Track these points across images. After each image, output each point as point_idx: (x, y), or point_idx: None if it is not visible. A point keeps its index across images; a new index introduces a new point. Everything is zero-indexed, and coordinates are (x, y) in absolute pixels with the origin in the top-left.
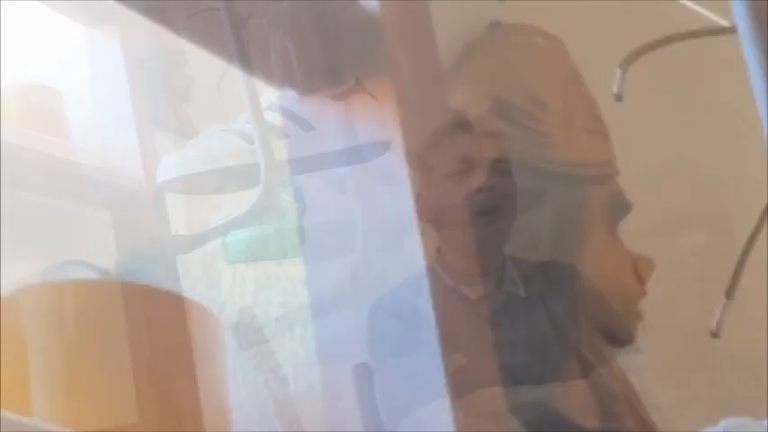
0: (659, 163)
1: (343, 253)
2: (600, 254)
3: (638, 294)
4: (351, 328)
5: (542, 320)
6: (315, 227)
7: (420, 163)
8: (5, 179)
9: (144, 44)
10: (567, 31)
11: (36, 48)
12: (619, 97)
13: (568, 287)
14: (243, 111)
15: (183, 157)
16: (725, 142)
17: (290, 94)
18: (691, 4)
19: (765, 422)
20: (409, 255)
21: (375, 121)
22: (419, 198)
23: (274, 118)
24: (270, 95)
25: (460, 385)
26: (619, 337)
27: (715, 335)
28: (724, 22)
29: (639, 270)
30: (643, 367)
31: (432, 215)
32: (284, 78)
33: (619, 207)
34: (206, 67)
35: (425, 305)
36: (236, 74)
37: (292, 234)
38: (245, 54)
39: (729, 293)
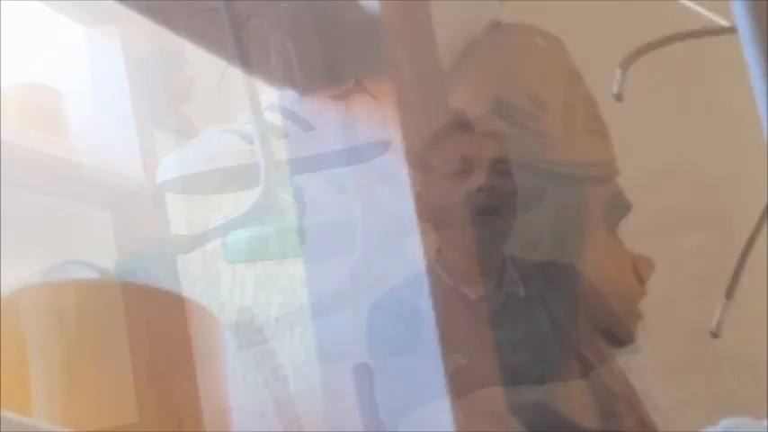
0: (659, 163)
1: (343, 253)
2: (600, 254)
3: (638, 294)
4: (351, 328)
5: (542, 320)
6: (315, 227)
7: (420, 163)
8: (5, 179)
9: (144, 44)
10: (566, 31)
11: (36, 48)
12: (619, 97)
13: (568, 287)
14: (243, 111)
15: (182, 157)
16: (725, 142)
17: (290, 94)
18: (691, 4)
19: (765, 422)
20: (409, 255)
21: (375, 121)
22: (419, 198)
23: (274, 118)
24: (270, 95)
25: (460, 385)
26: (619, 337)
27: (715, 335)
28: (724, 22)
29: (639, 270)
30: (643, 367)
31: (432, 215)
32: (284, 78)
33: (619, 207)
34: (206, 67)
35: (425, 305)
36: (236, 74)
37: (292, 234)
38: (245, 54)
39: (729, 293)
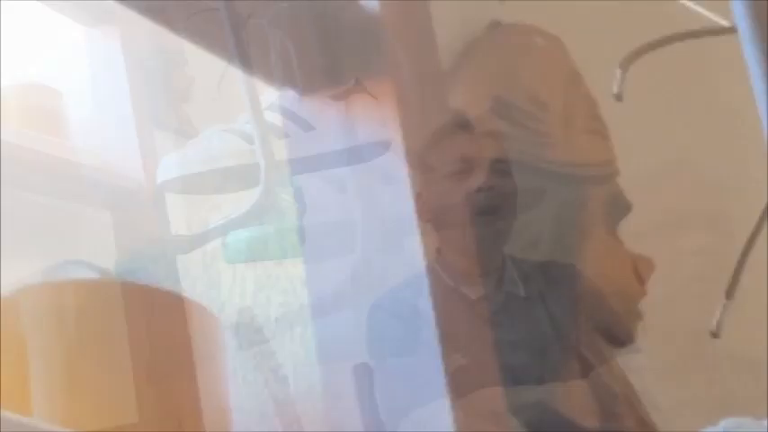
0: (659, 163)
1: (343, 253)
2: (600, 254)
3: (638, 294)
4: (351, 328)
5: (542, 320)
6: (315, 227)
7: (420, 163)
8: (5, 179)
9: (144, 44)
10: (566, 31)
11: (36, 48)
12: (619, 97)
13: (568, 287)
14: (243, 111)
15: (182, 157)
16: (725, 142)
17: (290, 94)
18: (691, 4)
19: (765, 422)
20: (409, 255)
21: (375, 121)
22: (419, 198)
23: (274, 118)
24: (270, 95)
25: (460, 385)
26: (619, 337)
27: (715, 335)
28: (724, 22)
29: (639, 270)
30: (643, 367)
31: (432, 215)
32: (284, 78)
33: (619, 207)
34: (206, 67)
35: (425, 305)
36: (236, 74)
37: (292, 234)
38: (245, 54)
39: (729, 293)
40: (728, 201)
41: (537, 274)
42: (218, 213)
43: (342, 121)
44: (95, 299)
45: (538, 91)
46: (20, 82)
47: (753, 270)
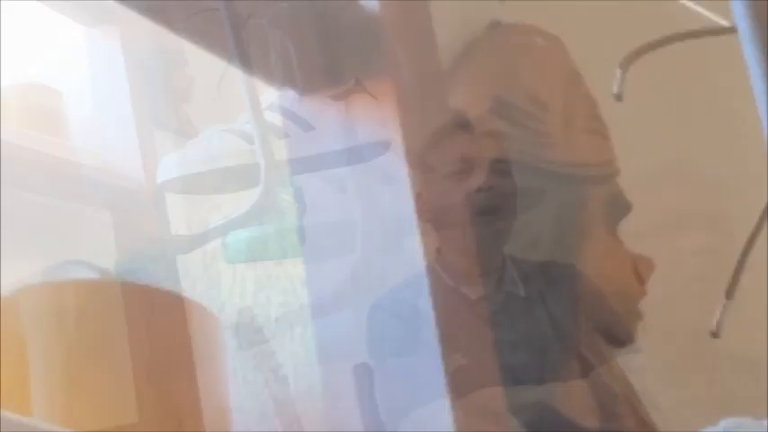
0: (659, 163)
1: (343, 253)
2: (600, 254)
3: (638, 294)
4: (351, 328)
5: (542, 320)
6: (315, 227)
7: (420, 163)
8: (5, 179)
9: (144, 44)
10: (566, 31)
11: (36, 48)
12: (619, 97)
13: (568, 287)
14: (243, 111)
15: (183, 157)
16: (725, 142)
17: (290, 94)
18: (691, 4)
19: (765, 422)
20: (409, 255)
21: (375, 121)
22: (419, 198)
23: (274, 118)
24: (270, 95)
25: (460, 385)
26: (619, 337)
27: (715, 335)
28: (724, 22)
29: (639, 270)
30: (643, 367)
31: (432, 215)
32: (284, 78)
33: (619, 207)
34: (206, 67)
35: (425, 305)
36: (236, 74)
37: (292, 234)
38: (245, 54)
39: (729, 293)
40: (728, 201)
41: (537, 274)
42: (218, 213)
43: (342, 121)
44: (95, 299)
45: (538, 91)
46: (20, 82)
47: (753, 270)
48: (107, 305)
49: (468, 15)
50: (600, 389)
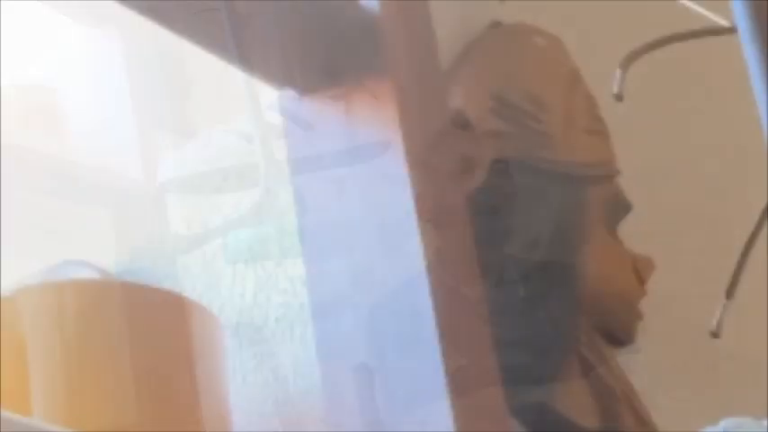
0: (659, 163)
1: (343, 253)
2: (600, 254)
3: (638, 294)
4: (351, 328)
5: (542, 320)
6: (315, 227)
7: (420, 163)
8: (5, 179)
9: (144, 44)
10: (566, 31)
11: (36, 48)
12: (619, 97)
13: (568, 287)
14: (243, 111)
15: (182, 157)
16: (725, 142)
17: (290, 94)
18: (691, 4)
19: (765, 422)
20: (409, 255)
21: (375, 121)
22: (419, 198)
23: (274, 118)
24: (270, 95)
25: (460, 385)
26: (619, 337)
27: (715, 335)
28: (724, 22)
29: (639, 270)
30: (643, 367)
31: (432, 215)
32: (284, 78)
33: (619, 207)
34: (206, 67)
35: (425, 305)
36: (236, 74)
37: (292, 234)
38: (245, 54)
39: (729, 293)
40: (728, 201)
41: (537, 274)
42: (218, 213)
43: (342, 121)
44: (95, 299)
45: (538, 91)
46: (20, 82)
47: (753, 270)
48: (107, 305)
49: (468, 15)
50: (600, 389)
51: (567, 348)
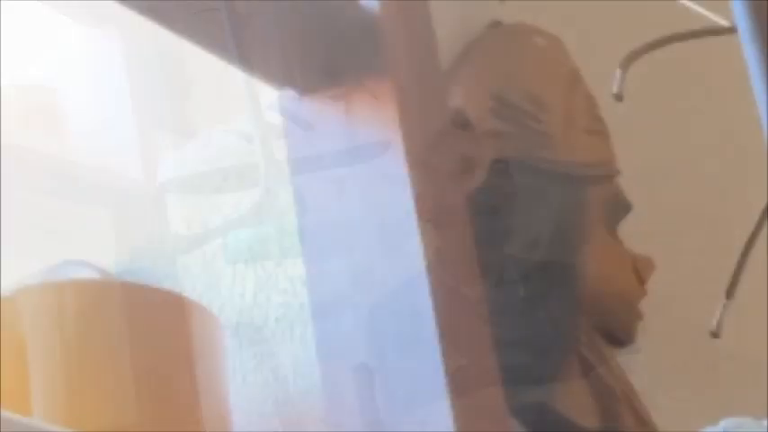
0: (659, 163)
1: (343, 253)
2: (600, 254)
3: (638, 294)
4: (351, 328)
5: (542, 320)
6: (315, 227)
7: (420, 163)
8: (5, 179)
9: (144, 44)
10: (566, 31)
11: (36, 48)
12: (619, 97)
13: (568, 287)
14: (243, 111)
15: (182, 157)
16: (725, 142)
17: (290, 94)
18: (691, 4)
19: (765, 422)
20: (409, 255)
21: (375, 121)
22: (419, 198)
23: (274, 118)
24: (270, 95)
25: (460, 385)
26: (619, 337)
27: (715, 335)
28: (724, 22)
29: (639, 270)
30: (643, 367)
31: (432, 215)
32: (284, 78)
33: (619, 207)
34: (206, 67)
35: (425, 305)
36: (236, 74)
37: (292, 234)
38: (245, 54)
39: (729, 293)
40: (728, 201)
41: (537, 274)
42: (218, 213)
43: (342, 121)
44: (96, 299)
45: (538, 91)
46: (20, 82)
47: (753, 270)
48: (107, 305)
49: (468, 15)
50: (600, 389)
51: (567, 348)
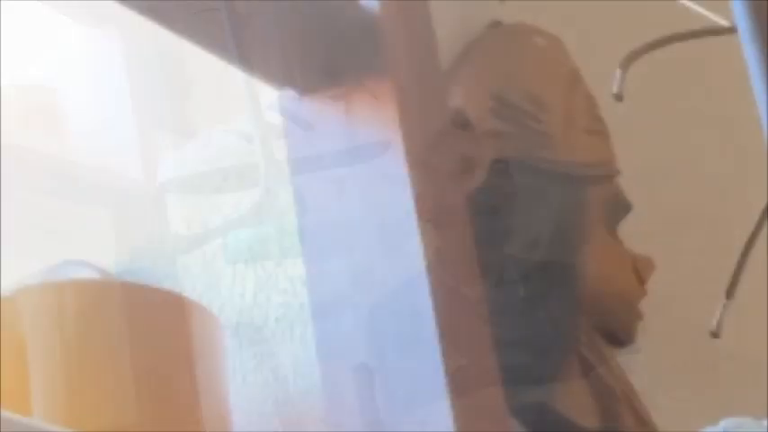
0: (659, 163)
1: (343, 253)
2: (600, 254)
3: (638, 294)
4: (351, 328)
5: (542, 320)
6: (315, 227)
7: (420, 163)
8: (5, 179)
9: (144, 44)
10: (566, 31)
11: (36, 48)
12: (619, 97)
13: (568, 287)
14: (243, 111)
15: (182, 157)
16: (725, 142)
17: (290, 94)
18: (691, 4)
19: (765, 422)
20: (409, 255)
21: (375, 121)
22: (419, 198)
23: (274, 118)
24: (270, 95)
25: (460, 385)
26: (619, 337)
27: (715, 335)
28: (724, 22)
29: (639, 270)
30: (643, 367)
31: (432, 215)
32: (284, 78)
33: (619, 207)
34: (206, 67)
35: (425, 305)
36: (236, 74)
37: (292, 234)
38: (245, 54)
39: (729, 293)
40: (728, 201)
41: (537, 274)
42: (218, 213)
43: (342, 121)
44: (95, 299)
45: (538, 91)
46: (20, 82)
47: (753, 270)
48: (107, 305)
49: (468, 15)
50: (600, 389)
51: (567, 348)
